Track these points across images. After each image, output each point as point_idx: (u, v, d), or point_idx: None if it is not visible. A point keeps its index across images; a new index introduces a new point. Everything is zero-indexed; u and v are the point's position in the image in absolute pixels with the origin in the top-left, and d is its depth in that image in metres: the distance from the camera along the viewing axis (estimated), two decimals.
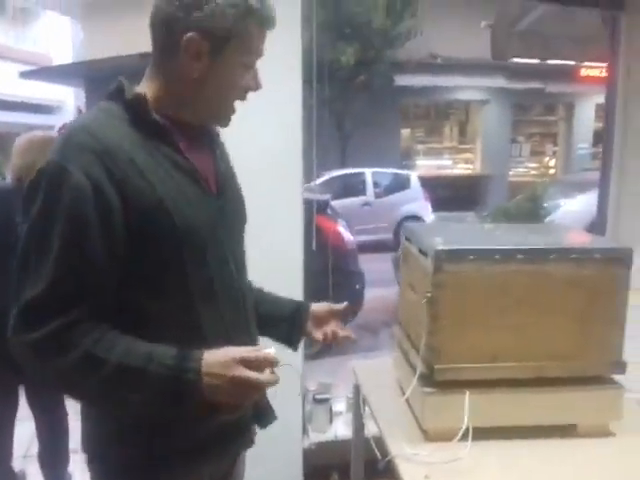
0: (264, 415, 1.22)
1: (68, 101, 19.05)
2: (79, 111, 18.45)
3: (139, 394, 0.95)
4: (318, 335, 1.36)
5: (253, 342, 1.19)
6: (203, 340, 1.03)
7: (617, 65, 2.82)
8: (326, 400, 2.44)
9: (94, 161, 0.94)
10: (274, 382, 0.99)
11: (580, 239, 1.63)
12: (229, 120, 1.14)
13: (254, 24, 1.04)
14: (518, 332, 1.36)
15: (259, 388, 0.99)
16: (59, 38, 18.73)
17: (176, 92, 1.06)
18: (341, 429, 2.43)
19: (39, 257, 0.94)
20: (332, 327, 1.37)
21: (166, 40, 1.04)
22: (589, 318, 1.35)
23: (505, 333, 1.36)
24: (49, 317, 0.92)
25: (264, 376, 0.98)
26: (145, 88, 1.07)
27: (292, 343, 1.36)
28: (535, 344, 1.36)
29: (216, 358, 0.97)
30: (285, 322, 1.35)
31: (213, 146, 1.19)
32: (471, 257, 1.34)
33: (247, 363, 0.97)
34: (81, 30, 14.96)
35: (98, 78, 13.14)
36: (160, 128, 1.03)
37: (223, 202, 1.13)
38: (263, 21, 1.05)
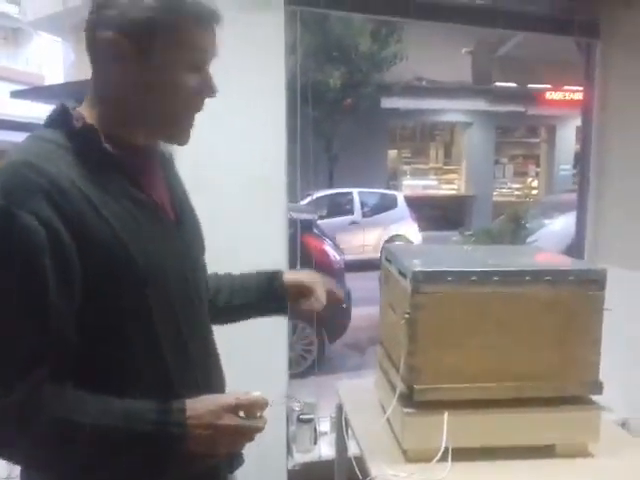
0: (234, 459, 1.13)
1: None
2: None
3: (119, 456, 0.87)
4: (307, 305, 1.32)
5: (221, 378, 1.14)
6: (170, 386, 0.95)
7: (592, 90, 2.90)
8: (310, 420, 2.43)
9: (44, 202, 0.82)
10: (264, 426, 0.94)
11: (556, 261, 1.66)
12: (187, 135, 1.00)
13: (187, 17, 0.90)
14: (497, 353, 1.37)
15: (251, 434, 0.93)
16: (51, 58, 18.79)
17: (119, 107, 0.94)
18: (325, 449, 2.42)
19: None
20: (318, 292, 1.32)
21: (90, 50, 0.94)
22: (565, 339, 1.38)
23: (484, 354, 1.37)
24: (13, 381, 0.82)
25: (256, 422, 0.93)
26: (88, 111, 0.95)
27: (282, 310, 1.36)
28: (514, 365, 1.38)
29: (204, 407, 0.89)
30: (265, 294, 1.31)
31: (165, 167, 1.08)
32: (449, 278, 1.36)
33: (238, 410, 0.91)
34: (72, 51, 15.04)
35: None
36: (112, 159, 0.92)
37: (183, 231, 1.04)
38: (198, 14, 0.91)
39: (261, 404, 0.94)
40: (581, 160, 3.05)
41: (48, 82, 16.45)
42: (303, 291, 1.33)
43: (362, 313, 5.63)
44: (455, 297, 1.36)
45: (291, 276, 1.36)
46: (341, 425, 1.81)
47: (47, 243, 0.82)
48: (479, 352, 1.38)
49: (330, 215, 9.25)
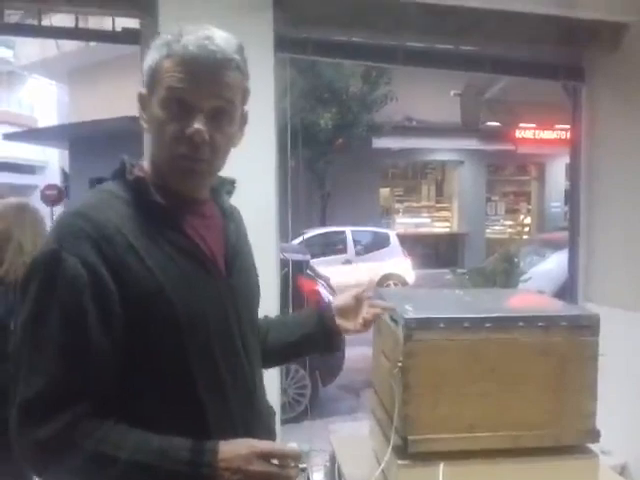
0: None
1: (52, 162, 19.19)
2: (63, 172, 18.62)
3: None
4: (353, 326, 1.31)
5: (269, 433, 1.12)
6: (207, 433, 0.95)
7: (580, 130, 2.96)
8: (303, 470, 2.36)
9: (90, 248, 0.90)
10: (296, 475, 0.94)
11: (548, 305, 1.64)
12: (189, 178, 1.01)
13: (171, 57, 0.97)
14: (491, 401, 1.35)
15: None
16: (44, 101, 19.07)
17: (150, 155, 1.03)
18: None
19: (36, 351, 0.88)
20: (363, 311, 1.32)
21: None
22: (560, 386, 1.36)
23: (478, 402, 1.35)
24: (52, 414, 0.86)
25: (287, 471, 0.93)
26: (147, 165, 1.04)
27: (334, 348, 1.33)
28: (509, 413, 1.35)
29: (236, 451, 0.90)
30: (317, 334, 1.29)
31: (226, 220, 1.11)
32: (441, 325, 1.35)
33: (270, 457, 0.92)
34: (66, 93, 15.26)
35: (82, 139, 13.38)
36: (161, 209, 0.97)
37: (233, 281, 1.06)
38: (172, 52, 0.96)
39: (295, 455, 0.95)
40: (571, 198, 3.08)
41: (41, 124, 16.70)
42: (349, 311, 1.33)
43: (356, 353, 5.54)
44: (448, 344, 1.34)
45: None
46: (334, 476, 1.76)
47: (89, 284, 0.89)
48: (473, 400, 1.35)
49: (323, 254, 9.26)
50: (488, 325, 1.35)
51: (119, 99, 11.91)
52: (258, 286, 1.20)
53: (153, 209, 0.97)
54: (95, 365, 0.89)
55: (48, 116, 18.24)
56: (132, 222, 0.95)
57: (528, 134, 13.46)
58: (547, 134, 13.42)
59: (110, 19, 2.39)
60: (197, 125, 0.96)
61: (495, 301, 1.64)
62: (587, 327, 1.36)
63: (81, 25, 2.38)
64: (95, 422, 0.89)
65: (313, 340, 1.30)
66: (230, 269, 1.06)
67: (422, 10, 2.40)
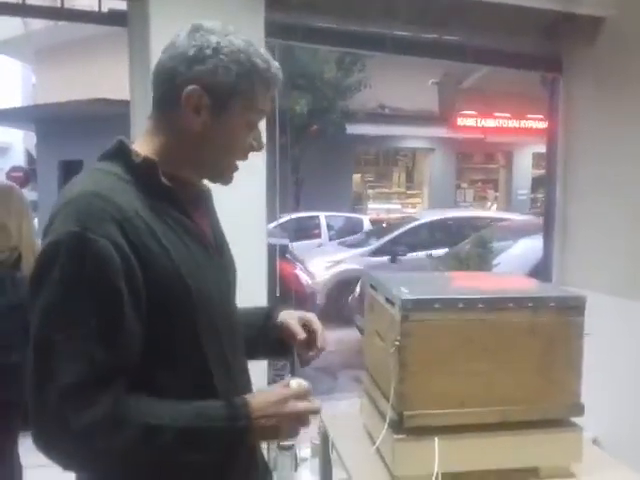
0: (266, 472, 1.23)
1: (17, 143, 18.63)
2: (28, 154, 18.12)
3: (199, 453, 0.93)
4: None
5: (250, 384, 1.19)
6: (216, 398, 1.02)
7: (556, 120, 3.05)
8: (291, 446, 2.41)
9: (116, 230, 0.90)
10: (320, 406, 1.05)
11: (537, 288, 1.72)
12: (231, 178, 1.11)
13: (259, 83, 1.02)
14: (483, 378, 1.42)
15: (309, 418, 1.03)
16: (8, 81, 18.44)
17: (177, 148, 1.03)
18: (306, 476, 2.41)
19: (70, 335, 0.87)
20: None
21: (167, 94, 1.01)
22: (548, 364, 1.43)
23: (471, 379, 1.41)
24: (96, 397, 0.87)
25: (316, 404, 1.04)
26: (145, 145, 1.03)
27: (283, 354, 1.33)
28: (499, 389, 1.42)
29: (267, 399, 0.99)
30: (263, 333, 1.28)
31: (206, 202, 1.17)
32: (436, 306, 1.40)
33: (296, 397, 1.01)
34: (32, 73, 14.80)
35: (50, 121, 13.00)
36: (168, 192, 1.01)
37: (223, 262, 1.13)
38: (269, 81, 1.04)
39: (309, 390, 1.05)
40: (547, 185, 3.18)
41: (3, 105, 16.14)
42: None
43: (333, 336, 5.65)
44: (443, 324, 1.40)
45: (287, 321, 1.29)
46: (327, 451, 1.82)
47: (121, 267, 0.90)
48: (466, 377, 1.42)
49: (297, 239, 9.28)
50: (481, 306, 1.42)
51: (88, 80, 11.63)
52: (235, 264, 1.23)
53: (160, 191, 1.00)
54: (129, 344, 0.92)
55: (12, 97, 17.67)
56: (143, 204, 0.97)
57: (470, 122, 13.54)
58: (489, 122, 13.53)
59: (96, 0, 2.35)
60: (264, 140, 1.10)
61: (486, 283, 1.71)
62: (574, 308, 1.44)
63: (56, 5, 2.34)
64: (131, 398, 0.92)
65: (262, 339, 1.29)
66: (220, 249, 1.13)
67: None
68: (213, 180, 1.11)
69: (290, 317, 1.28)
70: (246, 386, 1.14)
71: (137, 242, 0.93)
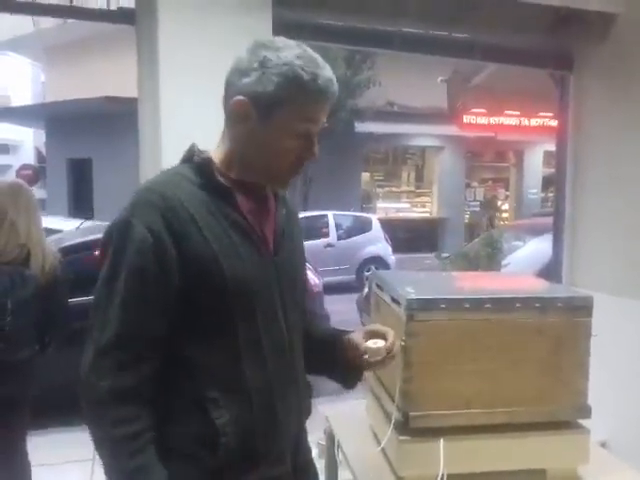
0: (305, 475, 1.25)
1: (27, 141, 18.77)
2: (37, 152, 18.23)
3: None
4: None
5: (300, 396, 1.21)
6: (247, 393, 1.10)
7: (566, 118, 3.02)
8: None
9: (157, 216, 1.04)
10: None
11: (545, 288, 1.70)
12: (286, 184, 1.20)
13: (304, 94, 1.07)
14: (489, 378, 1.41)
15: None
16: (18, 79, 18.57)
17: (237, 154, 1.13)
18: None
19: (108, 303, 1.04)
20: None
21: (225, 103, 1.13)
22: (555, 364, 1.42)
23: (477, 379, 1.40)
24: (118, 366, 1.02)
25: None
26: (215, 152, 1.16)
27: (346, 383, 1.34)
28: (506, 390, 1.41)
29: None
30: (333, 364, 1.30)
31: (279, 206, 1.23)
32: (442, 306, 1.39)
33: None
34: (41, 72, 14.90)
35: (60, 119, 13.10)
36: (223, 189, 1.11)
37: (278, 260, 1.17)
38: (315, 92, 1.08)
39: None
40: (556, 185, 3.15)
41: (14, 103, 16.23)
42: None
43: None
44: (449, 324, 1.39)
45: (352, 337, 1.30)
46: (333, 452, 1.81)
47: (152, 246, 1.04)
48: (472, 378, 1.41)
49: (306, 238, 9.27)
50: (487, 306, 1.40)
51: (97, 78, 11.69)
52: (303, 268, 1.32)
53: (215, 189, 1.11)
54: (154, 314, 1.05)
55: (22, 95, 17.80)
56: (195, 198, 1.08)
57: (478, 120, 13.50)
58: (498, 120, 13.48)
59: None
60: (316, 150, 1.14)
61: (493, 283, 1.69)
62: (581, 308, 1.42)
63: (66, 3, 2.35)
64: (147, 409, 1.04)
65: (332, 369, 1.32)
66: (277, 248, 1.18)
67: None
68: (269, 184, 1.19)
69: (354, 335, 1.28)
70: (286, 378, 1.16)
71: (177, 228, 1.05)
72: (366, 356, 1.23)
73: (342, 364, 1.29)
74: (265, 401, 1.12)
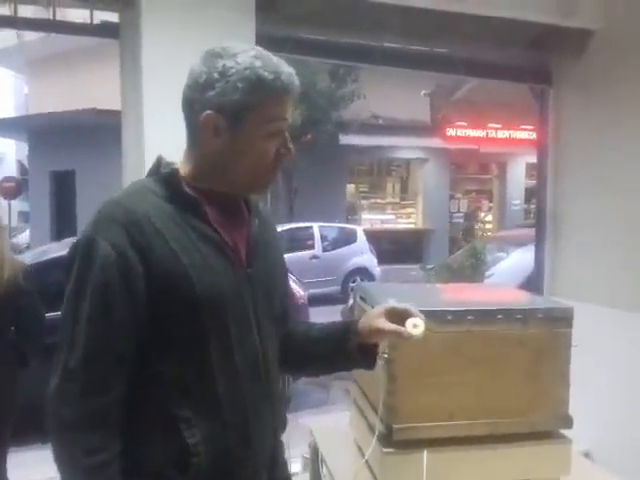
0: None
1: (9, 154, 18.59)
2: (20, 164, 18.07)
3: None
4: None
5: (275, 410, 1.16)
6: (219, 410, 1.06)
7: (546, 131, 3.07)
8: None
9: (120, 231, 1.01)
10: None
11: (525, 299, 1.72)
12: (266, 189, 1.18)
13: (270, 94, 1.05)
14: (472, 389, 1.41)
15: None
16: (1, 91, 18.44)
17: (208, 166, 1.10)
18: None
19: (74, 322, 1.01)
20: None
21: (189, 120, 1.09)
22: (536, 375, 1.43)
23: (460, 391, 1.41)
24: (85, 390, 0.99)
25: None
26: (182, 163, 1.12)
27: (369, 365, 1.23)
28: (488, 401, 1.42)
29: None
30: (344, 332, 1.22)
31: (252, 217, 1.18)
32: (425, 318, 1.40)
33: None
34: (25, 84, 14.80)
35: (43, 131, 12.98)
36: (190, 200, 1.08)
37: (252, 272, 1.13)
38: (279, 89, 1.06)
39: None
40: (538, 196, 3.19)
41: None
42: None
43: None
44: (432, 336, 1.39)
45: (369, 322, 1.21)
46: (317, 465, 1.81)
47: (116, 263, 1.00)
48: (455, 389, 1.41)
49: (291, 250, 9.27)
50: (470, 317, 1.42)
51: (80, 91, 11.62)
52: (283, 280, 1.28)
53: (182, 200, 1.07)
54: (119, 332, 1.01)
55: (4, 107, 17.65)
56: (161, 211, 1.05)
57: (460, 132, 13.79)
58: (480, 132, 13.81)
59: (85, 11, 2.36)
60: (291, 145, 1.11)
61: (475, 295, 1.71)
62: (562, 319, 1.44)
63: (49, 17, 2.34)
64: (115, 443, 1.01)
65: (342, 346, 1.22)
66: (250, 260, 1.14)
67: (398, 11, 2.45)
68: (248, 193, 1.17)
69: (370, 318, 1.20)
70: (260, 395, 1.11)
71: (142, 242, 1.01)
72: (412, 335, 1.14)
73: (359, 351, 1.20)
74: (238, 418, 1.08)
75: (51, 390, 1.00)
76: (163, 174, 1.10)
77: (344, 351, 1.21)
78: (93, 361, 1.00)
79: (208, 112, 1.05)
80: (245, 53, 1.06)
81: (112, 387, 1.01)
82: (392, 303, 1.22)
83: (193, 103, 1.07)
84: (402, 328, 1.16)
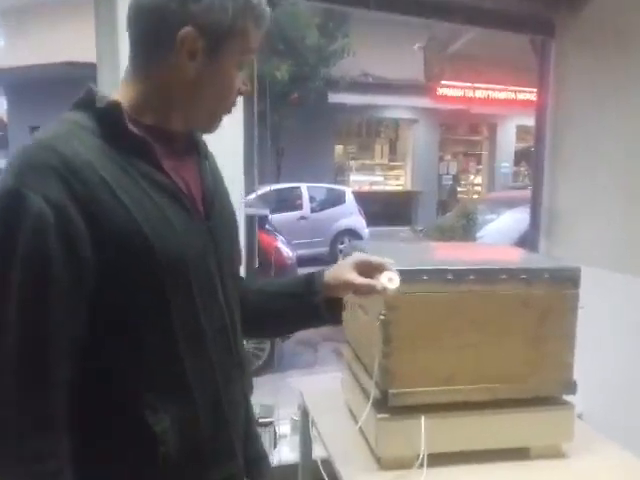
0: (257, 466, 1.09)
1: None
2: None
3: None
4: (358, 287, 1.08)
5: (245, 381, 1.05)
6: (187, 388, 0.92)
7: (547, 88, 2.94)
8: (269, 424, 2.34)
9: (56, 183, 0.81)
10: None
11: (530, 259, 1.64)
12: (217, 126, 1.00)
13: (251, 21, 0.93)
14: (472, 353, 1.34)
15: None
16: None
17: (162, 97, 0.92)
18: (286, 453, 2.34)
19: (1, 303, 0.80)
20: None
21: (154, 35, 0.90)
22: (540, 338, 1.36)
23: (459, 354, 1.34)
24: (25, 385, 0.81)
25: None
26: (121, 95, 0.93)
27: (335, 320, 1.15)
28: (489, 365, 1.35)
29: None
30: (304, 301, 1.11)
31: (200, 157, 1.03)
32: (424, 277, 1.32)
33: None
34: (1, 36, 14.25)
35: (21, 85, 12.57)
36: (137, 142, 0.90)
37: (212, 225, 0.98)
38: (259, 18, 0.94)
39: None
40: (535, 158, 3.09)
41: None
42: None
43: None
44: (431, 296, 1.32)
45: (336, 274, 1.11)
46: (307, 429, 1.74)
47: (55, 225, 0.80)
48: (454, 352, 1.34)
49: (278, 210, 9.15)
50: (471, 277, 1.33)
51: (58, 43, 11.20)
52: (237, 231, 1.11)
53: (126, 141, 0.89)
54: (61, 312, 0.82)
55: None
56: (102, 154, 0.86)
57: (451, 92, 13.50)
58: (472, 93, 13.56)
59: None
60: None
61: (474, 254, 1.62)
62: (569, 279, 1.36)
63: None
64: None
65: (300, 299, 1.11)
66: (208, 211, 0.98)
67: None
68: (199, 129, 1.02)
69: (339, 270, 1.10)
70: (230, 363, 0.99)
71: (84, 195, 0.82)
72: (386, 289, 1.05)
73: (326, 304, 1.10)
74: (210, 394, 0.95)
75: None
76: (102, 109, 0.89)
77: (307, 306, 1.10)
78: (32, 348, 0.81)
79: (188, 29, 0.87)
80: None
81: (58, 379, 0.83)
82: (366, 255, 1.13)
83: (167, 16, 0.87)
84: (376, 281, 1.07)
